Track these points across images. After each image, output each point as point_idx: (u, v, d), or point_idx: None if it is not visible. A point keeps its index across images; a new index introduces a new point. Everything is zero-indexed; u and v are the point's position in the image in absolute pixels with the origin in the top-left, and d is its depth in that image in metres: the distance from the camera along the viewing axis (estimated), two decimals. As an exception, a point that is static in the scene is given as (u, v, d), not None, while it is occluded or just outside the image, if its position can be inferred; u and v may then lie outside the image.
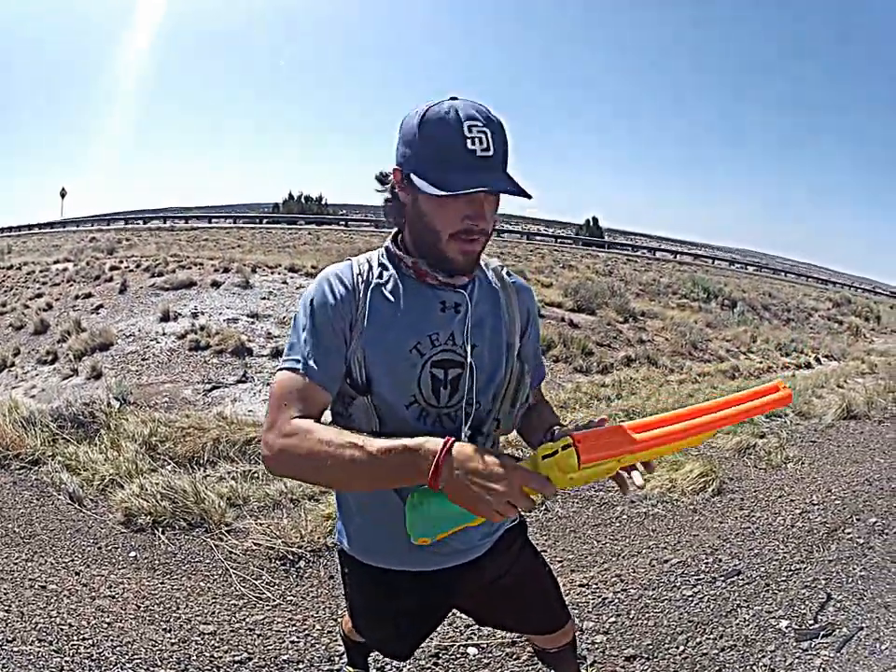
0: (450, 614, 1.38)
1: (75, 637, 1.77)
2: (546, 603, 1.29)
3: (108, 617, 1.90)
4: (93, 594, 2.04)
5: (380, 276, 0.96)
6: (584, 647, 2.07)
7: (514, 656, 1.99)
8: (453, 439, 0.76)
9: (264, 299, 8.56)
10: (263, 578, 2.28)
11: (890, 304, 21.12)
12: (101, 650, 1.74)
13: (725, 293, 15.49)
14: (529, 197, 0.86)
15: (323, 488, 2.78)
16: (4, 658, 1.66)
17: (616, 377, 7.89)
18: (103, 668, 1.68)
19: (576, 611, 2.24)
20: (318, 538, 2.56)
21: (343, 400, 0.96)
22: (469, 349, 0.95)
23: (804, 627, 2.11)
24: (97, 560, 2.27)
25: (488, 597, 1.21)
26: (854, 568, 2.46)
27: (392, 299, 0.94)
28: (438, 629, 1.71)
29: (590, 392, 6.89)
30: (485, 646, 2.04)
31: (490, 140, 0.83)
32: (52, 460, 3.12)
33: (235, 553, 2.41)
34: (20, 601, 1.91)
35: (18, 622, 1.82)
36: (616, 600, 2.40)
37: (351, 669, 1.71)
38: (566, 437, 0.76)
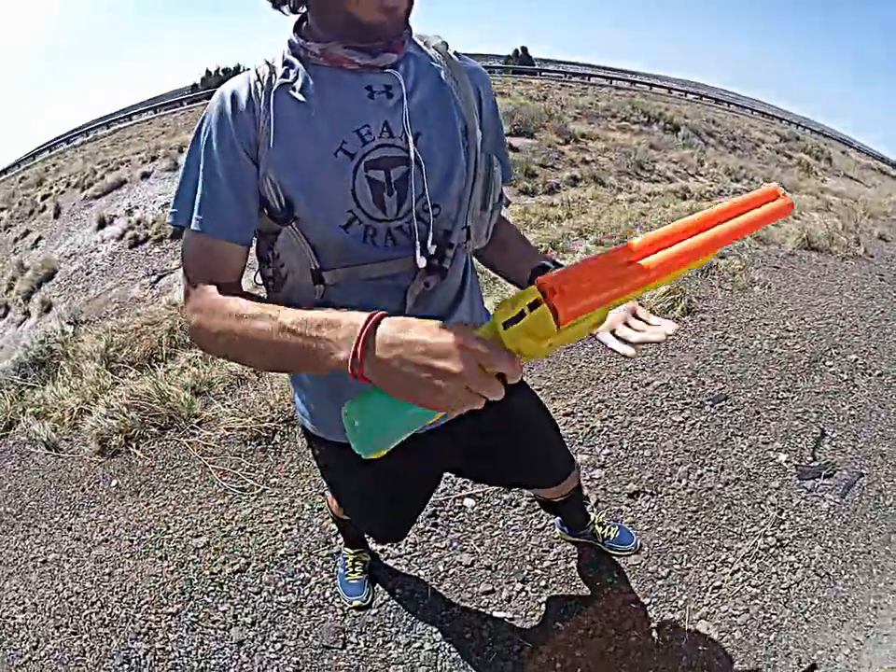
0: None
1: (84, 607, 1.65)
2: (548, 451, 1.16)
3: (107, 566, 1.78)
4: (89, 545, 1.89)
5: (285, 76, 0.73)
6: (584, 483, 1.85)
7: (514, 503, 1.74)
8: (381, 312, 0.55)
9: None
10: (242, 465, 2.13)
11: (842, 150, 20.69)
12: (109, 609, 1.63)
13: (667, 117, 14.65)
14: None
15: None
16: (39, 667, 1.55)
17: (564, 197, 7.49)
18: (116, 630, 1.57)
19: (566, 443, 1.98)
20: (288, 404, 2.35)
21: (267, 243, 0.77)
22: (410, 139, 0.74)
23: (803, 464, 2.00)
24: (84, 504, 2.11)
25: (484, 454, 1.05)
26: (843, 405, 2.36)
27: (302, 98, 0.72)
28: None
29: (538, 213, 6.50)
30: (482, 495, 1.78)
31: None
32: (24, 415, 2.84)
33: (210, 446, 2.26)
34: (29, 591, 1.75)
35: (35, 617, 1.66)
36: (605, 429, 2.17)
37: (350, 551, 1.57)
38: (531, 288, 0.51)
